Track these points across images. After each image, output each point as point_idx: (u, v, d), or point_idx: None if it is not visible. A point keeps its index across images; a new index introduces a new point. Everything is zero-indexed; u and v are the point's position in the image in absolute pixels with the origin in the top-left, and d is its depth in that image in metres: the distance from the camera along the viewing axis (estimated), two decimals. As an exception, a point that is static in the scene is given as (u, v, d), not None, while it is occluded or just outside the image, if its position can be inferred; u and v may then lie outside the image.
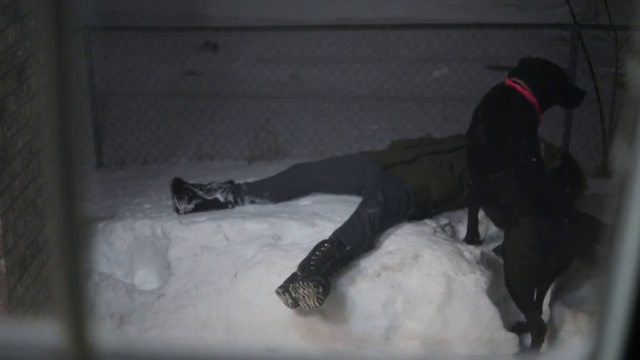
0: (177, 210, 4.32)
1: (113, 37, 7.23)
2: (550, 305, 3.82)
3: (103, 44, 6.59)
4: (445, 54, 6.61)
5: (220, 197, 4.33)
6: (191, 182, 4.44)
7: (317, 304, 3.51)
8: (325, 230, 3.99)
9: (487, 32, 6.21)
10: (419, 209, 4.09)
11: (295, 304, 3.57)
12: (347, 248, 3.73)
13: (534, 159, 3.62)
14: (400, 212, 4.02)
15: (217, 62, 7.87)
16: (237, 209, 4.33)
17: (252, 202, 4.37)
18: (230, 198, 4.33)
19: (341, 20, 7.92)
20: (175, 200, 4.33)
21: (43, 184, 3.59)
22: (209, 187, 4.36)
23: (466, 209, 4.10)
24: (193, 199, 4.31)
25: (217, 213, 4.26)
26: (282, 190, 4.38)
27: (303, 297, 3.51)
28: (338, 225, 3.94)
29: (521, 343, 3.72)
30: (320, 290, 3.48)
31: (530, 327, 3.64)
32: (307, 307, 3.54)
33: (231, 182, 4.41)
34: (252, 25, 6.91)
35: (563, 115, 5.46)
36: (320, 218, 4.11)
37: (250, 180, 4.53)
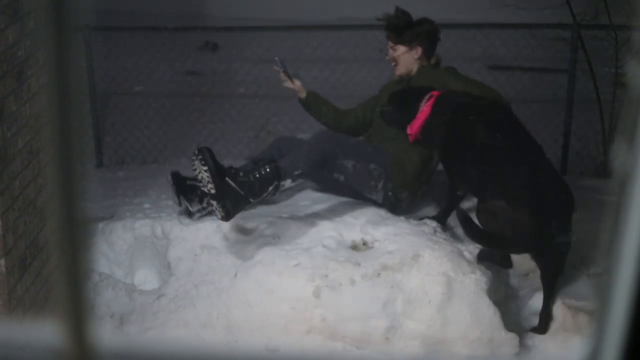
0: (189, 214, 4.15)
1: (113, 37, 7.24)
2: (551, 305, 3.82)
3: (103, 44, 6.59)
4: (445, 54, 6.60)
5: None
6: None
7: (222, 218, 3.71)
8: (325, 230, 3.99)
9: (487, 32, 6.21)
10: (392, 187, 4.14)
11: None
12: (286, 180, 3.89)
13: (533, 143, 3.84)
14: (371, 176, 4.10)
15: (217, 62, 7.87)
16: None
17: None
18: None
19: (341, 20, 7.92)
20: (186, 204, 4.14)
21: (43, 184, 3.59)
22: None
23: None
24: (204, 198, 4.14)
25: (217, 213, 4.25)
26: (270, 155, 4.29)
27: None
28: (338, 225, 3.98)
29: (521, 343, 3.72)
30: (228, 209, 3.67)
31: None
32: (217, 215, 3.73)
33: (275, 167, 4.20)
34: (252, 25, 6.91)
35: (563, 115, 5.46)
36: (320, 218, 4.11)
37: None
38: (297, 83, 4.50)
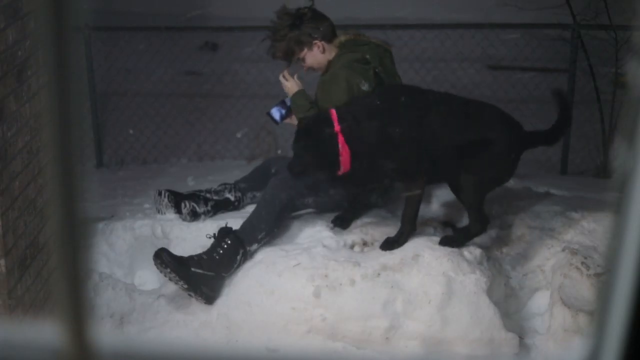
0: (195, 215, 4.18)
1: (113, 37, 7.23)
2: (551, 305, 3.82)
3: (103, 44, 6.59)
4: (445, 54, 6.60)
5: (230, 196, 4.29)
6: (184, 190, 4.35)
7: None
8: (325, 230, 3.99)
9: (487, 32, 6.21)
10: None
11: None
12: (248, 248, 3.85)
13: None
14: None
15: (217, 62, 7.87)
16: (239, 209, 4.31)
17: (253, 197, 4.33)
18: (239, 195, 4.30)
19: (341, 20, 7.91)
20: (193, 205, 4.17)
21: (43, 184, 3.59)
22: (214, 190, 4.29)
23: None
24: (208, 202, 4.23)
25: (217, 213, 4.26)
26: (264, 175, 4.32)
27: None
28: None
29: (521, 343, 3.72)
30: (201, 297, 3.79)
31: (476, 221, 3.83)
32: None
33: (226, 183, 4.36)
34: (252, 25, 6.91)
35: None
36: (321, 218, 4.11)
37: (238, 177, 4.47)
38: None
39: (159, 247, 4.10)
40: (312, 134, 3.64)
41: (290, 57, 3.90)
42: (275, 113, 4.05)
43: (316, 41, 3.87)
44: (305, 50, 3.87)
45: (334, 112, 3.65)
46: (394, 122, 3.66)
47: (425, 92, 3.83)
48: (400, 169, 3.73)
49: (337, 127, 3.61)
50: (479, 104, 3.90)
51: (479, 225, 3.86)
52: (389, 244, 3.84)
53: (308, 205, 4.09)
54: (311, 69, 3.96)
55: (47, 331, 0.61)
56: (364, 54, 3.87)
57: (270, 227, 3.91)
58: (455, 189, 3.88)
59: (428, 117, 3.69)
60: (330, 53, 3.91)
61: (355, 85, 3.79)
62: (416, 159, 3.72)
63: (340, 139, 3.60)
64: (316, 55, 3.88)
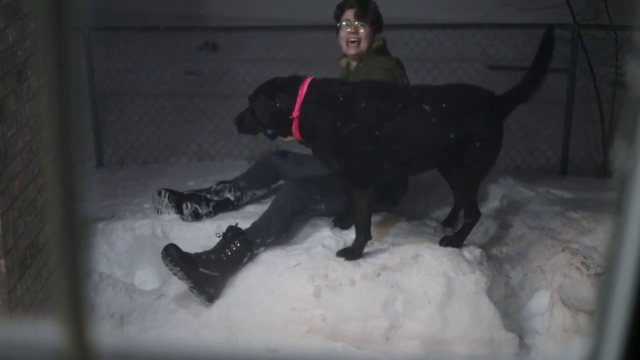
0: (197, 217, 4.19)
1: (113, 37, 7.23)
2: (551, 305, 3.82)
3: (103, 44, 6.59)
4: (445, 54, 6.60)
5: (230, 196, 4.28)
6: (185, 190, 4.35)
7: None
8: (325, 230, 3.99)
9: (487, 32, 6.21)
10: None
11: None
12: (256, 251, 3.86)
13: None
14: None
15: (217, 62, 7.87)
16: (238, 209, 4.30)
17: (253, 194, 4.33)
18: (238, 194, 4.30)
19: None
20: (195, 207, 4.19)
21: (43, 184, 3.59)
22: (214, 189, 4.29)
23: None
24: (209, 202, 4.24)
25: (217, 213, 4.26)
26: (264, 172, 4.33)
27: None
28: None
29: (521, 343, 3.72)
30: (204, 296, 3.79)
31: (469, 214, 3.86)
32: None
33: (225, 181, 4.36)
34: (252, 25, 6.91)
35: (563, 115, 5.46)
36: (321, 218, 4.11)
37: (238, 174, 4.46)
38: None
39: (159, 247, 4.11)
40: (269, 101, 3.65)
41: (364, 13, 4.00)
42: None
43: (378, 33, 4.07)
44: (370, 29, 4.01)
45: (302, 92, 3.63)
46: (353, 124, 3.60)
47: (401, 92, 3.74)
48: (348, 173, 3.71)
49: (295, 113, 3.63)
50: (454, 91, 3.79)
51: (472, 218, 3.86)
52: (347, 253, 3.80)
53: (320, 211, 4.07)
54: (354, 45, 4.03)
55: (47, 331, 0.61)
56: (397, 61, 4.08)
57: (280, 232, 3.92)
58: (448, 180, 3.87)
59: (403, 122, 3.62)
60: (370, 49, 4.05)
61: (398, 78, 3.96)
62: (367, 168, 3.68)
63: (295, 124, 3.65)
64: (370, 40, 4.02)
